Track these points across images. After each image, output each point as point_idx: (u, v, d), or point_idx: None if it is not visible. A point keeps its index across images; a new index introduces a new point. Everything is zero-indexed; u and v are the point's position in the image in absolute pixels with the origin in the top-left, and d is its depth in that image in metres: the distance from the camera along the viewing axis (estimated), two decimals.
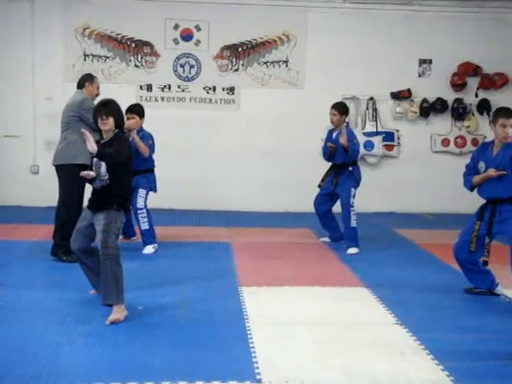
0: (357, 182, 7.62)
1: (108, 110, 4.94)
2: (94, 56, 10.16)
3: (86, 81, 6.76)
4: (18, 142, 10.22)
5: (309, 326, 4.78)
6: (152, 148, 7.28)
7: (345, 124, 7.58)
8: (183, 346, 4.29)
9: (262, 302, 5.36)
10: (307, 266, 6.71)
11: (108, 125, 4.94)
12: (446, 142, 10.61)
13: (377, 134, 10.46)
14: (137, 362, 4.01)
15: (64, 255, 6.49)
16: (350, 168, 7.56)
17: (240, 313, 5.02)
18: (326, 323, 4.87)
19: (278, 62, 10.34)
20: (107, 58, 10.20)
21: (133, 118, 7.09)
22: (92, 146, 4.68)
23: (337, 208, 7.79)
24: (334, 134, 7.62)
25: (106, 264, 4.78)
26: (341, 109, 7.59)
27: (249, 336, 4.47)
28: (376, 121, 10.48)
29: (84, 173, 4.91)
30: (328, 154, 7.67)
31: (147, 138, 7.21)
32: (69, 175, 6.49)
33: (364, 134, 10.41)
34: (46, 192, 10.13)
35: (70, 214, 6.29)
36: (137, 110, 7.24)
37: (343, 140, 7.35)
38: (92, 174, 4.93)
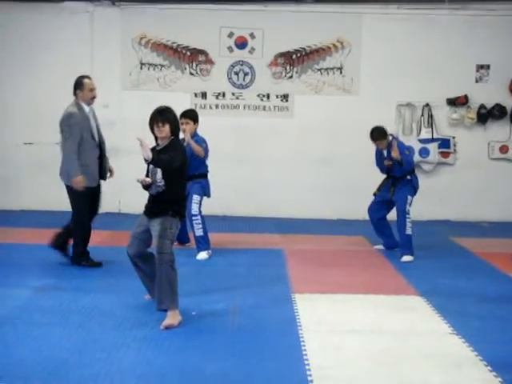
0: (414, 190, 7.53)
1: (164, 117, 5.01)
2: (150, 64, 10.33)
3: (76, 88, 6.69)
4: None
5: (362, 335, 4.74)
6: (206, 151, 7.33)
7: (390, 137, 7.49)
8: (236, 353, 4.31)
9: (315, 309, 5.34)
10: (361, 274, 6.66)
11: (164, 132, 5.01)
12: (504, 149, 10.38)
13: (432, 140, 10.31)
14: (190, 367, 4.05)
15: (86, 261, 6.73)
16: (408, 176, 7.50)
17: (293, 320, 5.01)
18: (380, 332, 4.82)
19: (332, 68, 10.31)
20: (163, 66, 10.35)
21: (187, 123, 7.17)
22: (147, 153, 4.75)
23: (391, 215, 7.71)
24: (385, 152, 7.54)
25: (161, 269, 4.85)
26: (383, 135, 7.45)
27: (302, 344, 4.46)
28: (432, 127, 10.33)
29: (140, 179, 4.99)
30: (386, 170, 7.62)
31: (201, 142, 7.27)
32: (72, 194, 6.68)
33: (419, 140, 10.29)
34: (103, 198, 10.31)
35: (77, 229, 6.71)
36: (191, 115, 7.32)
37: (395, 154, 7.29)
38: (148, 180, 5.00)
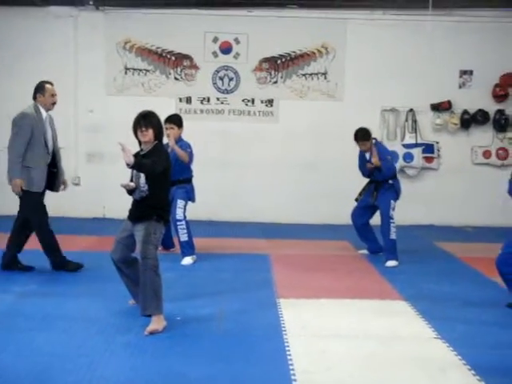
0: (397, 195, 7.57)
1: (147, 121, 4.99)
2: (134, 69, 10.31)
3: (36, 92, 6.58)
4: (61, 153, 10.34)
5: (347, 340, 4.74)
6: (191, 156, 7.32)
7: (373, 142, 7.54)
8: (221, 358, 4.29)
9: (300, 314, 5.34)
10: (346, 279, 6.67)
11: (147, 136, 4.99)
12: (487, 154, 10.47)
13: (416, 145, 10.38)
14: (175, 372, 4.04)
15: (68, 266, 6.68)
16: (390, 181, 7.53)
17: (278, 325, 5.00)
18: (364, 336, 4.83)
19: (316, 74, 10.34)
20: (147, 71, 10.34)
21: (171, 128, 7.15)
22: (128, 158, 4.72)
23: (374, 220, 7.74)
24: (367, 154, 7.58)
25: (145, 275, 4.83)
26: (367, 136, 7.49)
27: (287, 349, 4.45)
28: (416, 132, 10.39)
29: (124, 183, 4.97)
30: (367, 173, 7.65)
31: (185, 147, 7.25)
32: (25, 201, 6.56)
33: (403, 145, 10.34)
34: (88, 203, 10.33)
35: (43, 235, 6.64)
36: (175, 120, 7.31)
37: (374, 160, 7.34)
38: (132, 185, 4.98)
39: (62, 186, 6.88)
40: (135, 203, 5.09)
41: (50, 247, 6.62)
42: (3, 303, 5.44)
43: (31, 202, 6.48)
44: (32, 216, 6.55)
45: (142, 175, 4.95)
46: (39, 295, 5.76)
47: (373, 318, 5.29)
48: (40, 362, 4.12)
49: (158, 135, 5.08)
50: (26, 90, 10.07)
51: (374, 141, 7.57)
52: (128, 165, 4.79)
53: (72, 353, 4.29)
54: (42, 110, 6.52)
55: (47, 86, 6.57)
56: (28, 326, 4.86)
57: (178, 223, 7.18)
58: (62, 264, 6.64)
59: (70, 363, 4.11)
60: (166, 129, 6.88)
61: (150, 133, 4.99)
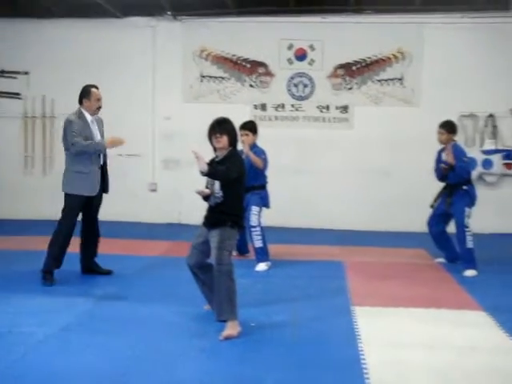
0: (471, 202, 7.35)
1: (222, 128, 5.04)
2: (210, 77, 10.47)
3: (82, 97, 6.57)
4: (138, 160, 10.65)
5: (423, 350, 4.64)
6: (265, 163, 7.35)
7: (452, 142, 7.37)
8: (295, 365, 4.28)
9: (375, 322, 5.27)
10: (422, 288, 6.54)
11: (222, 143, 5.04)
12: None
13: (496, 152, 10.09)
14: (249, 378, 4.05)
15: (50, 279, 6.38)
16: (465, 187, 7.33)
17: (353, 333, 4.96)
18: (441, 347, 4.72)
19: (392, 79, 10.22)
20: (223, 78, 10.47)
21: (246, 134, 7.21)
22: (202, 165, 4.78)
23: (452, 228, 7.57)
24: (444, 155, 7.43)
25: (219, 280, 4.87)
26: (448, 128, 7.39)
27: (362, 357, 4.40)
28: (495, 138, 10.11)
29: (199, 190, 5.03)
30: (441, 175, 7.49)
31: (260, 153, 7.30)
32: (66, 204, 6.50)
33: (482, 152, 10.08)
34: (164, 209, 10.53)
35: (57, 240, 6.48)
36: (250, 126, 7.37)
37: (449, 158, 7.17)
38: (207, 191, 5.05)
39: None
40: (210, 209, 5.15)
41: (53, 254, 6.46)
42: (84, 306, 5.59)
43: (68, 205, 6.46)
44: (63, 219, 6.48)
45: (217, 182, 5.01)
46: (117, 299, 5.89)
47: (450, 328, 5.16)
48: (118, 364, 4.22)
49: (233, 142, 5.12)
50: (107, 98, 10.46)
51: (452, 142, 7.40)
52: (202, 172, 4.85)
53: (148, 356, 4.37)
54: (87, 114, 6.50)
55: (93, 90, 6.56)
56: (107, 328, 4.98)
57: (253, 229, 7.22)
58: (44, 271, 6.38)
59: (147, 366, 4.18)
60: (241, 135, 6.93)
61: (225, 139, 5.03)
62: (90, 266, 6.80)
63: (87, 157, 6.37)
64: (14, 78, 10.34)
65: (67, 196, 6.46)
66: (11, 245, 8.37)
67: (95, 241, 6.84)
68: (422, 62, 10.15)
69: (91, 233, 6.79)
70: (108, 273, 6.79)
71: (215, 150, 5.17)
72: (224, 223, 4.97)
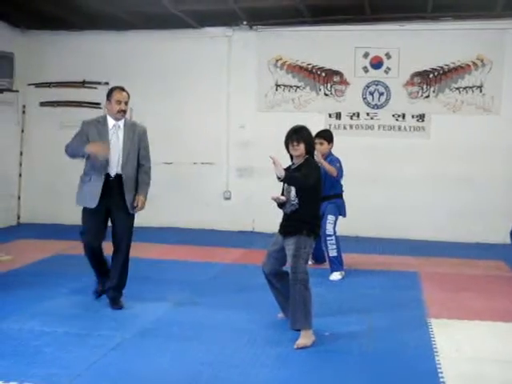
0: None
1: (299, 136, 5.05)
2: (285, 86, 10.49)
3: (106, 99, 5.78)
4: (213, 168, 10.76)
5: (504, 365, 4.50)
6: (340, 171, 7.30)
7: None
8: (370, 377, 4.22)
9: (453, 335, 5.14)
10: (501, 301, 6.34)
11: (299, 150, 5.04)
12: None
13: None
14: None
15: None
16: None
17: (429, 346, 4.85)
18: None
19: (471, 87, 9.98)
20: (298, 87, 10.47)
21: (321, 143, 7.19)
22: (279, 171, 4.79)
23: None
24: None
25: (295, 289, 4.86)
26: None
27: (439, 371, 4.30)
28: None
29: (275, 196, 5.04)
30: None
31: (335, 162, 7.26)
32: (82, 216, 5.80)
33: None
34: (238, 217, 10.60)
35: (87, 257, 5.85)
36: (326, 135, 7.35)
37: None
38: (282, 198, 5.05)
39: (136, 205, 5.76)
40: (286, 217, 5.14)
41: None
42: (160, 311, 5.69)
43: (82, 217, 5.76)
44: (81, 230, 5.80)
45: (293, 189, 5.01)
46: (192, 304, 5.96)
47: None
48: (193, 370, 4.26)
49: (310, 149, 5.12)
50: (183, 107, 10.69)
51: None
52: (279, 178, 4.85)
53: (222, 362, 4.40)
54: (110, 119, 5.68)
55: (114, 91, 5.69)
56: (182, 334, 5.04)
57: (328, 238, 7.17)
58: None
59: (221, 372, 4.21)
60: (316, 144, 6.91)
61: (302, 147, 5.03)
62: (106, 295, 5.88)
63: (90, 164, 5.63)
64: (95, 88, 10.65)
65: None
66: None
67: (118, 273, 5.78)
68: (502, 69, 9.86)
69: (115, 260, 5.80)
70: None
71: (292, 157, 5.18)
72: (300, 231, 4.96)
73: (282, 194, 5.12)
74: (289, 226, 5.05)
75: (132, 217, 5.77)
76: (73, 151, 5.66)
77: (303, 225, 4.97)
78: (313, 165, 5.12)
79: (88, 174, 5.65)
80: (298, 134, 5.05)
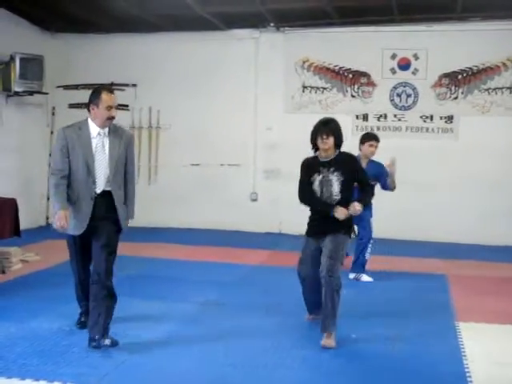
0: None
1: (329, 128, 4.93)
2: (312, 87, 10.47)
3: (90, 102, 4.74)
4: (240, 170, 10.78)
5: None
6: None
7: None
8: (397, 380, 4.20)
9: (481, 339, 5.09)
10: None
11: (328, 143, 4.94)
12: None
13: None
14: None
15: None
16: None
17: (458, 350, 4.80)
18: None
19: (501, 88, 9.87)
20: (325, 89, 10.45)
21: (376, 146, 7.27)
22: (354, 212, 4.92)
23: None
24: None
25: (327, 294, 4.78)
26: None
27: (467, 375, 4.25)
28: None
29: (356, 210, 4.94)
30: None
31: (382, 167, 7.30)
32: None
33: None
34: (264, 218, 10.60)
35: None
36: (378, 138, 7.39)
37: None
38: (359, 208, 4.96)
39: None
40: (323, 218, 5.01)
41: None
42: (186, 312, 5.70)
43: (69, 247, 5.01)
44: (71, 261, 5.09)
45: (336, 184, 4.94)
46: (219, 306, 5.97)
47: None
48: (219, 371, 4.27)
49: (339, 143, 5.02)
50: (211, 108, 10.73)
51: None
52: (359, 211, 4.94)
53: (249, 364, 4.40)
54: (92, 126, 4.74)
55: (103, 94, 4.71)
56: (207, 335, 5.04)
57: (372, 241, 7.18)
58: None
59: (248, 374, 4.21)
60: (369, 146, 7.08)
61: (331, 140, 4.93)
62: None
63: (74, 183, 4.71)
64: (123, 90, 10.73)
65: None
66: None
67: (104, 306, 4.69)
68: None
69: (98, 292, 4.69)
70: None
71: (316, 150, 5.08)
72: (338, 230, 4.91)
73: (321, 192, 5.01)
74: (327, 225, 4.95)
75: (118, 235, 4.84)
76: (51, 194, 4.83)
77: (343, 224, 4.92)
78: (358, 162, 5.23)
79: (73, 192, 4.72)
80: (327, 127, 4.93)
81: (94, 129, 4.73)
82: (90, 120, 4.74)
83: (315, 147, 5.06)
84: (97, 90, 4.75)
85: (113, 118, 4.73)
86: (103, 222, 4.69)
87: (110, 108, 4.68)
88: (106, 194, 4.72)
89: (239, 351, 4.67)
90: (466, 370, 4.35)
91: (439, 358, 4.62)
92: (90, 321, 4.69)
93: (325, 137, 4.92)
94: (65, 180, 4.68)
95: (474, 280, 7.37)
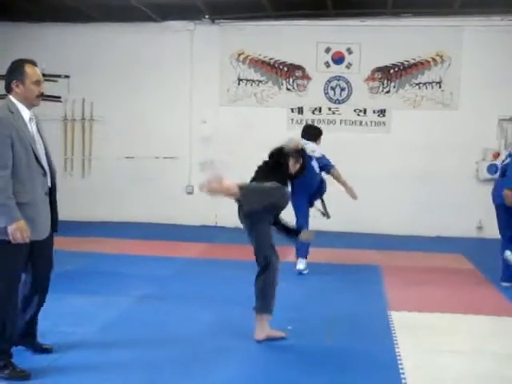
0: None
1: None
2: (247, 80, 10.50)
3: (12, 79, 4.03)
4: (175, 162, 10.72)
5: (462, 356, 4.59)
6: None
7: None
8: (331, 369, 4.27)
9: (413, 327, 5.23)
10: (459, 293, 6.47)
11: None
12: None
13: None
14: (287, 382, 4.06)
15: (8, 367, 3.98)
16: None
17: (390, 338, 4.92)
18: (480, 354, 4.65)
19: (430, 83, 10.13)
20: (260, 82, 10.49)
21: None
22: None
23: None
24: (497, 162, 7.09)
25: (264, 274, 4.79)
26: None
27: (399, 362, 4.37)
28: None
29: None
30: None
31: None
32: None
33: None
34: (200, 212, 10.58)
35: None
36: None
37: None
38: None
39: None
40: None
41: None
42: (122, 306, 5.65)
43: (13, 254, 3.94)
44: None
45: None
46: (155, 299, 5.92)
47: (489, 335, 5.10)
48: (153, 365, 4.26)
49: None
50: (146, 101, 10.61)
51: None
52: None
53: (187, 357, 4.39)
54: (21, 108, 4.01)
55: (28, 68, 4.04)
56: (144, 329, 5.02)
57: None
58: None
59: (183, 368, 4.20)
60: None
61: None
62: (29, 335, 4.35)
63: (26, 176, 3.91)
64: (55, 81, 10.49)
65: None
66: None
67: (41, 300, 4.29)
68: (460, 65, 10.04)
69: (39, 290, 4.23)
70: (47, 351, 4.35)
71: None
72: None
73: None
74: None
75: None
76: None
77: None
78: None
79: (27, 191, 3.92)
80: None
81: (24, 112, 4.00)
82: (15, 101, 3.99)
83: None
84: (17, 64, 4.05)
85: (43, 94, 4.07)
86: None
87: (39, 83, 4.03)
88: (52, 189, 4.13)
89: (178, 344, 4.65)
90: (398, 357, 4.46)
91: (371, 347, 4.73)
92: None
93: None
94: (11, 180, 3.83)
95: (407, 270, 7.56)
